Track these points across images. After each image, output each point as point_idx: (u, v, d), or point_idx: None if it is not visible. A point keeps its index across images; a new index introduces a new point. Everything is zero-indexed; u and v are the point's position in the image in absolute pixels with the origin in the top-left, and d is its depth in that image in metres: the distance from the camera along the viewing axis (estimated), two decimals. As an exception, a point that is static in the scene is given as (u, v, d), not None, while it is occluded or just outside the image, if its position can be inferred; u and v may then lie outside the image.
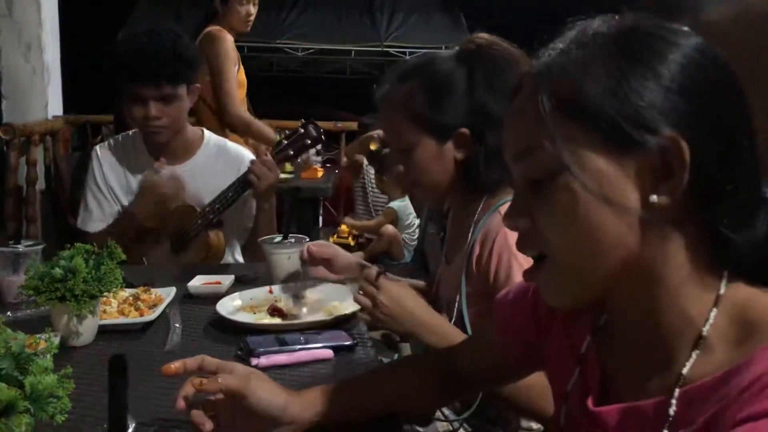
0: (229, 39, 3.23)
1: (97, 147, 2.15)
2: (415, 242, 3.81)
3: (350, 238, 4.10)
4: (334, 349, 1.24)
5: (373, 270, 1.26)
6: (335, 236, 4.11)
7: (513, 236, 1.26)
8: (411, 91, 1.32)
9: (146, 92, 1.94)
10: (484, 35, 1.37)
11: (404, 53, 7.35)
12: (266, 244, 1.68)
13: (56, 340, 1.23)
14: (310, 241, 1.64)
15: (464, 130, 1.31)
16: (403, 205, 3.96)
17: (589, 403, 0.68)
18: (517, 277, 1.21)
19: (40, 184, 4.06)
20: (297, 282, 1.63)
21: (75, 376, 1.17)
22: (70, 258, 1.26)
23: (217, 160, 2.11)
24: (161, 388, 1.10)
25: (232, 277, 1.71)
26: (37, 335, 1.23)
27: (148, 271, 1.87)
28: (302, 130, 1.92)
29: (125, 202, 2.09)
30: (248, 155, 2.12)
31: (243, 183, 1.92)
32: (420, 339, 1.22)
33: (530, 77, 0.68)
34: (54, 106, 4.32)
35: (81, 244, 1.30)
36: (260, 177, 1.88)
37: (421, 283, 1.65)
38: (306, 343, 1.25)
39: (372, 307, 1.22)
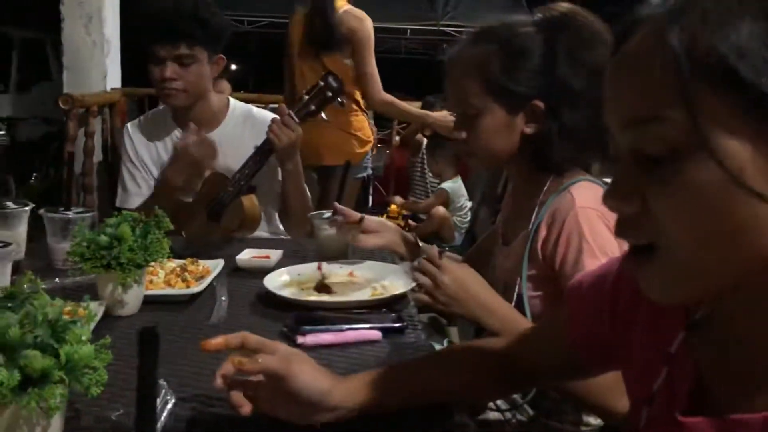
0: (370, 19, 3.03)
1: (128, 124, 2.15)
2: (467, 225, 3.72)
3: (400, 219, 4.04)
4: (383, 330, 1.18)
5: (435, 248, 1.20)
6: (385, 216, 4.05)
7: (585, 219, 1.19)
8: (486, 54, 1.24)
9: (163, 51, 1.93)
10: (565, 4, 1.27)
11: (461, 33, 7.20)
12: (315, 219, 1.63)
13: (97, 309, 1.21)
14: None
15: (539, 102, 1.23)
16: (455, 186, 3.87)
17: (677, 410, 0.59)
18: (587, 263, 1.13)
19: (97, 155, 4.12)
20: (346, 259, 1.59)
21: (118, 346, 1.15)
22: (117, 225, 1.24)
23: (244, 127, 2.09)
24: (203, 362, 1.06)
25: (281, 251, 1.67)
26: (78, 303, 1.22)
27: (196, 244, 1.85)
28: (322, 83, 1.86)
29: (157, 175, 2.08)
30: (273, 116, 2.05)
31: (268, 144, 1.88)
32: (481, 323, 1.17)
33: (652, 19, 0.54)
34: (113, 78, 4.36)
35: (128, 212, 1.28)
36: (279, 136, 1.84)
37: (457, 257, 1.57)
38: (353, 323, 1.20)
39: (433, 287, 1.17)
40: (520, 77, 1.23)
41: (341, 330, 1.16)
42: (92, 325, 1.13)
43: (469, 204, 3.72)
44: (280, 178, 2.03)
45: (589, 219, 1.17)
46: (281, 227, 2.15)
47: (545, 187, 1.27)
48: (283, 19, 6.20)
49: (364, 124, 3.18)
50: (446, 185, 3.83)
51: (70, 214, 1.53)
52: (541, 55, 1.22)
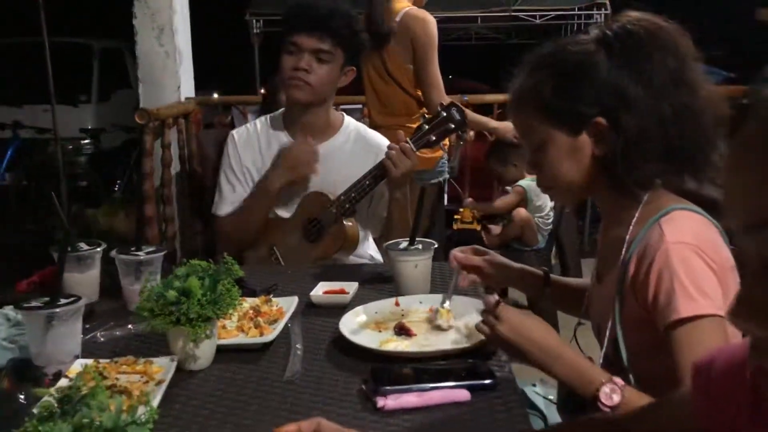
0: (434, 20, 2.88)
1: (234, 132, 2.11)
2: (549, 227, 3.55)
3: (475, 223, 3.88)
4: (471, 388, 1.07)
5: (492, 298, 1.10)
6: (458, 223, 3.89)
7: (678, 255, 1.03)
8: (539, 81, 1.17)
9: (306, 42, 1.91)
10: (632, 13, 1.15)
11: (534, 17, 6.95)
12: (391, 251, 1.54)
13: (169, 365, 1.16)
14: (436, 232, 1.50)
15: (601, 119, 1.12)
16: (533, 184, 3.69)
17: None
18: (682, 307, 1.02)
19: (175, 166, 4.17)
20: (426, 293, 1.50)
21: (194, 403, 1.11)
22: (185, 276, 1.18)
23: (355, 145, 2.04)
24: (272, 419, 0.98)
25: (356, 284, 1.59)
26: (150, 360, 1.17)
27: (270, 272, 1.79)
28: (444, 114, 1.80)
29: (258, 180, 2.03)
30: (387, 142, 2.01)
31: (381, 171, 1.83)
32: (545, 372, 1.07)
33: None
34: (186, 88, 4.40)
35: (196, 261, 1.22)
36: (396, 164, 1.79)
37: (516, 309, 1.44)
38: (439, 377, 1.10)
39: (492, 337, 1.10)
40: (575, 96, 1.14)
41: (425, 390, 1.06)
42: (163, 388, 1.09)
43: (550, 204, 3.54)
44: (385, 202, 1.96)
45: (681, 255, 1.05)
46: (369, 252, 2.09)
47: (634, 219, 1.14)
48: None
49: None
50: (523, 183, 3.64)
51: (141, 256, 1.49)
52: (598, 70, 1.12)
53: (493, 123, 3.19)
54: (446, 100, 2.85)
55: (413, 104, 2.93)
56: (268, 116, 2.12)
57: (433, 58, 2.81)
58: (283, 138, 2.04)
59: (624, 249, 1.14)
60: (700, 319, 1.01)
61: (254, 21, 6.83)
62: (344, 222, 1.92)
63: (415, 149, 1.80)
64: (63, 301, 1.18)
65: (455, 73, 7.07)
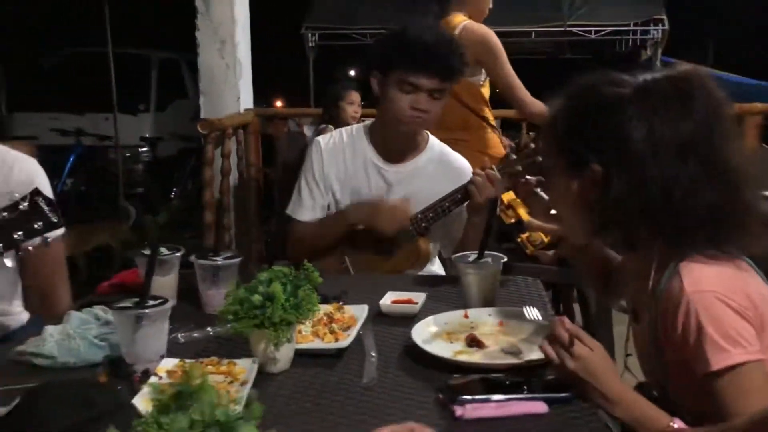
0: (492, 31, 2.91)
1: (320, 138, 2.13)
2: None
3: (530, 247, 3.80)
4: (549, 401, 1.08)
5: (565, 335, 1.11)
6: (529, 247, 3.81)
7: (700, 305, 1.02)
8: (559, 111, 1.19)
9: (426, 84, 1.92)
10: (688, 66, 1.14)
11: (589, 32, 6.90)
12: (460, 263, 1.56)
13: (251, 367, 1.21)
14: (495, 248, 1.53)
15: (597, 167, 1.12)
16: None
17: None
18: (713, 358, 1.02)
19: (234, 175, 4.27)
20: (497, 306, 1.51)
21: (276, 404, 1.15)
22: (268, 282, 1.22)
23: (438, 167, 2.07)
24: (355, 423, 1.05)
25: (424, 295, 1.61)
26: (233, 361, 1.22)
27: (341, 280, 1.83)
28: (533, 146, 1.80)
29: (340, 195, 2.07)
30: (470, 167, 2.04)
31: (463, 194, 1.86)
32: (604, 410, 1.08)
33: None
34: (245, 99, 4.50)
35: (278, 267, 1.26)
36: (481, 190, 1.81)
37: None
38: (514, 388, 1.11)
39: (559, 367, 1.11)
40: (583, 138, 1.13)
41: (503, 401, 1.08)
42: (248, 388, 1.13)
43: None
44: (460, 225, 1.99)
45: (704, 305, 1.04)
46: (432, 267, 2.12)
47: (653, 271, 1.13)
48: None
49: (494, 141, 3.08)
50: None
51: (219, 261, 1.55)
52: (612, 118, 1.10)
53: None
54: (528, 96, 2.86)
55: (471, 117, 2.95)
56: (353, 127, 2.15)
57: (502, 63, 2.83)
58: (369, 153, 2.07)
59: (650, 297, 1.14)
60: (734, 368, 1.02)
61: (309, 35, 6.95)
62: (418, 240, 1.94)
63: (500, 177, 1.81)
64: (151, 302, 1.24)
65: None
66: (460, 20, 2.87)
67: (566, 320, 1.13)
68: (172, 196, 6.78)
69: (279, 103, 5.97)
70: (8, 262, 1.45)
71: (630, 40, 7.05)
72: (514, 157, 1.82)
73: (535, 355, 1.24)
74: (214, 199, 4.05)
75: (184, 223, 5.50)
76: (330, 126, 4.19)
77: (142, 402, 1.02)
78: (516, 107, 2.92)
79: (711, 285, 1.06)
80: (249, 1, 4.53)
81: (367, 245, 1.99)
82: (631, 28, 6.87)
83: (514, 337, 1.37)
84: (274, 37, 8.53)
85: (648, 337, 1.17)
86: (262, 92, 5.26)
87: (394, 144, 2.04)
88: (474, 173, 1.86)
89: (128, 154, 7.08)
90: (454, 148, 2.46)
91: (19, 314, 1.75)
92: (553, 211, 1.39)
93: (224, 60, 4.40)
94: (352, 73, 12.37)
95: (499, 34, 2.95)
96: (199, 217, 4.18)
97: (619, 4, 6.88)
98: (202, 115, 4.24)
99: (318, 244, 2.02)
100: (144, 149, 7.50)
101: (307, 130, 4.73)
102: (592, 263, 1.49)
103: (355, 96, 4.46)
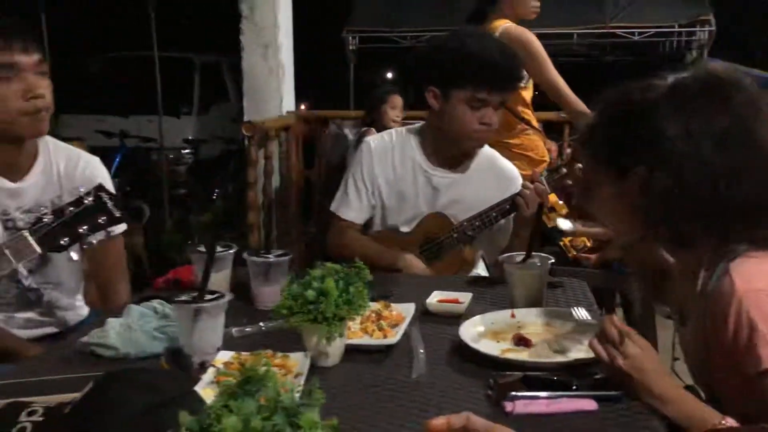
0: (532, 34, 2.93)
1: (370, 139, 2.16)
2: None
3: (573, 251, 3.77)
4: (599, 399, 1.10)
5: (615, 333, 1.12)
6: (571, 251, 3.77)
7: (753, 303, 1.03)
8: (598, 121, 1.20)
9: (494, 98, 1.94)
10: (719, 65, 1.16)
11: (632, 34, 6.81)
12: (508, 264, 1.58)
13: (304, 361, 1.24)
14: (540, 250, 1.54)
15: (642, 170, 1.13)
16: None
17: None
18: (764, 353, 1.02)
19: (275, 176, 4.34)
20: (544, 307, 1.52)
21: (328, 397, 1.18)
22: (321, 278, 1.26)
23: (487, 173, 2.08)
24: (406, 416, 1.08)
25: (470, 295, 1.63)
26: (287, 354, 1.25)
27: (387, 279, 1.86)
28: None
29: (386, 197, 2.09)
30: (519, 176, 2.06)
31: (511, 206, 1.88)
32: (655, 409, 1.09)
33: None
34: (287, 102, 4.58)
35: (330, 264, 1.30)
36: (529, 203, 1.82)
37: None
38: (563, 386, 1.13)
39: (609, 365, 1.12)
40: (621, 144, 1.15)
41: (554, 398, 1.09)
42: (302, 380, 1.17)
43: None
44: (506, 234, 2.01)
45: (757, 302, 1.04)
46: (477, 270, 2.12)
47: (702, 271, 1.13)
48: (446, 32, 6.22)
49: (536, 143, 3.07)
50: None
51: (271, 258, 1.59)
52: (651, 121, 1.11)
53: None
54: (572, 96, 2.87)
55: (513, 120, 2.95)
56: (403, 129, 2.17)
57: (545, 65, 2.85)
58: (417, 156, 2.08)
59: (697, 298, 1.14)
60: None
61: (350, 38, 7.01)
62: (463, 248, 1.96)
63: (549, 190, 1.83)
64: (209, 297, 1.28)
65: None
66: (499, 24, 2.88)
67: (615, 318, 1.15)
68: (214, 197, 6.89)
69: (302, 107, 6.00)
70: (74, 256, 1.52)
71: (675, 42, 6.92)
72: (564, 171, 1.83)
73: (583, 354, 1.26)
74: (257, 200, 4.13)
75: (225, 224, 5.60)
76: (372, 129, 4.23)
77: (202, 391, 1.07)
78: (563, 107, 2.92)
79: (763, 283, 1.06)
80: (292, 5, 4.60)
81: (411, 249, 2.01)
82: (676, 29, 6.75)
83: (562, 337, 1.38)
84: (315, 41, 8.62)
85: (696, 338, 1.17)
86: (303, 95, 5.33)
87: (450, 152, 2.06)
88: (523, 185, 1.87)
89: (171, 156, 7.22)
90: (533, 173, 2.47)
91: (80, 308, 1.83)
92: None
93: (267, 63, 4.48)
94: (389, 75, 12.41)
95: (539, 36, 2.95)
96: (240, 217, 4.26)
97: (663, 4, 6.76)
98: (246, 118, 4.32)
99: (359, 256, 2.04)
100: (186, 151, 7.65)
101: (348, 133, 4.78)
102: (642, 265, 1.49)
103: (398, 100, 4.50)
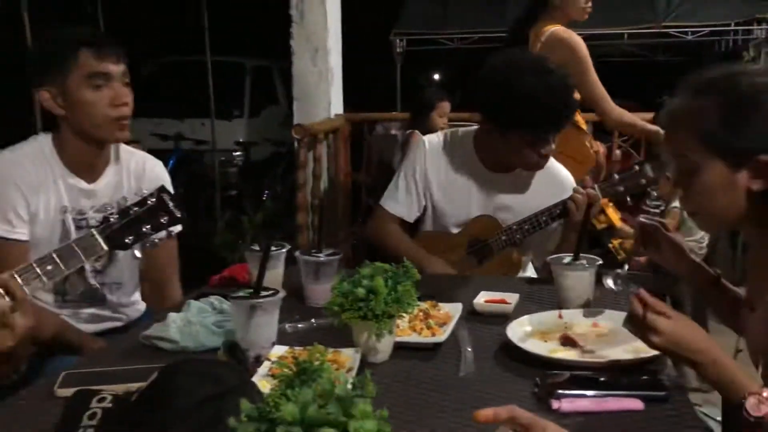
0: (580, 38, 2.89)
1: (426, 138, 2.18)
2: (703, 252, 3.41)
3: (622, 253, 3.73)
4: (645, 399, 1.11)
5: (641, 311, 1.13)
6: (621, 254, 3.73)
7: None
8: (704, 106, 1.17)
9: (553, 135, 1.96)
10: None
11: (686, 33, 6.68)
12: (556, 265, 1.59)
13: (354, 356, 1.28)
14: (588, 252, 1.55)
15: (765, 157, 1.12)
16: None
17: None
18: None
19: (324, 178, 4.42)
20: (591, 308, 1.53)
21: (378, 391, 1.21)
22: (371, 277, 1.30)
23: (542, 177, 2.07)
24: (454, 412, 1.10)
25: (518, 296, 1.65)
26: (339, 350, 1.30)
27: (433, 279, 1.89)
28: (637, 168, 1.83)
29: (438, 198, 2.10)
30: (572, 181, 2.05)
31: (561, 210, 1.89)
32: (700, 374, 1.12)
33: None
34: (336, 104, 4.65)
35: (379, 264, 1.33)
36: (580, 209, 1.83)
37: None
38: (610, 386, 1.14)
39: (647, 344, 1.14)
40: (742, 131, 1.13)
41: (601, 396, 1.11)
42: (353, 374, 1.21)
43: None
44: (555, 237, 2.02)
45: None
46: (525, 273, 2.15)
47: None
48: (494, 33, 6.21)
49: (586, 146, 3.05)
50: (678, 203, 3.52)
51: (322, 257, 1.64)
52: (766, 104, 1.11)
53: (650, 126, 3.08)
54: (615, 109, 2.84)
55: None
56: (459, 131, 2.17)
57: (588, 73, 2.79)
58: (473, 160, 2.09)
59: None
60: None
61: (398, 40, 7.06)
62: (513, 251, 1.97)
63: (601, 197, 1.83)
64: (264, 293, 1.34)
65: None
66: (548, 27, 2.87)
67: (643, 293, 1.15)
68: (264, 198, 7.03)
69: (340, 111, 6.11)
70: (137, 253, 1.59)
71: (731, 41, 6.77)
72: (617, 177, 1.83)
73: (630, 354, 1.26)
74: (306, 201, 4.21)
75: (275, 225, 5.71)
76: (417, 132, 4.26)
77: (258, 383, 1.12)
78: (600, 117, 2.89)
79: None
80: (341, 9, 4.67)
81: (458, 250, 2.04)
82: (732, 28, 6.60)
83: (609, 337, 1.39)
84: (362, 43, 8.70)
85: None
86: (350, 97, 5.40)
87: (503, 162, 2.06)
88: (575, 191, 1.87)
89: (223, 158, 7.39)
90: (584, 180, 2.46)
91: (139, 304, 1.92)
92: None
93: (317, 67, 4.55)
94: (436, 77, 12.41)
95: (589, 37, 2.93)
96: (289, 218, 4.34)
97: (718, 3, 6.62)
98: (295, 121, 4.41)
99: (392, 249, 2.07)
100: (238, 153, 7.81)
101: (396, 134, 4.82)
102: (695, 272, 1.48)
103: (446, 107, 4.49)
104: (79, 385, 1.14)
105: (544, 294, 1.70)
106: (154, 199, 1.39)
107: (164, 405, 0.94)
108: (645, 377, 1.17)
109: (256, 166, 7.86)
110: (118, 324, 1.85)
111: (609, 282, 1.47)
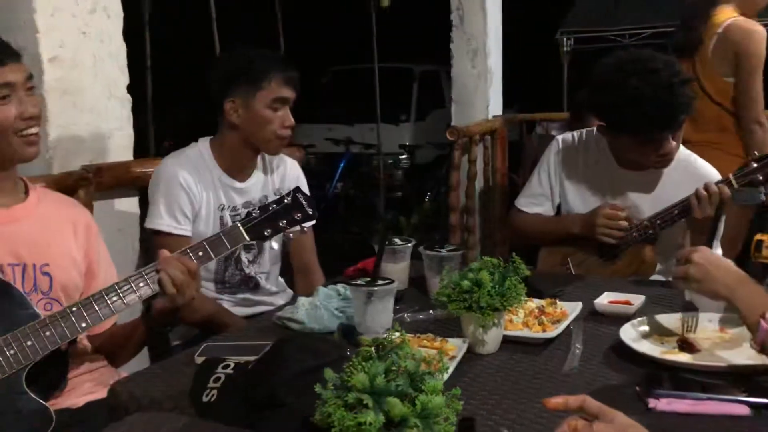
0: (764, 31, 2.67)
1: (560, 137, 2.19)
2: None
3: None
4: (752, 405, 1.05)
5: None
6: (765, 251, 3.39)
7: None
8: None
9: (668, 136, 1.92)
10: None
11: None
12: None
13: (461, 346, 1.34)
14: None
15: None
16: None
17: None
18: None
19: (479, 179, 4.45)
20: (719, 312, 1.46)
21: (479, 380, 1.27)
22: (478, 270, 1.35)
23: (683, 173, 2.00)
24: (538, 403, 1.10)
25: (643, 297, 1.61)
26: (446, 339, 1.36)
27: (559, 279, 1.88)
28: None
29: (571, 196, 2.11)
30: (717, 174, 1.96)
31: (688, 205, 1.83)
32: (732, 296, 1.21)
33: None
34: (494, 106, 4.66)
35: (488, 258, 1.38)
36: (702, 205, 1.77)
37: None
38: (717, 391, 1.10)
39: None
40: None
41: (700, 398, 1.07)
42: (456, 362, 1.27)
43: None
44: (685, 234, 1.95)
45: None
46: (657, 276, 2.07)
47: None
48: (668, 28, 5.85)
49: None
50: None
51: (443, 252, 1.71)
52: None
53: None
54: (762, 117, 2.63)
55: (727, 119, 2.74)
56: (592, 131, 2.14)
57: (758, 72, 2.60)
58: (608, 158, 2.06)
59: None
60: None
61: (565, 39, 6.91)
62: (645, 247, 1.92)
63: (736, 185, 1.75)
64: (380, 282, 1.43)
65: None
66: (727, 16, 2.68)
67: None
68: (426, 199, 7.19)
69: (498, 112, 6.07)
70: (274, 245, 1.76)
71: None
72: (755, 165, 1.72)
73: (742, 360, 1.20)
74: (459, 202, 4.27)
75: (434, 225, 5.83)
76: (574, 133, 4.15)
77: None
78: (742, 117, 2.64)
79: None
80: (502, 11, 4.69)
81: (589, 248, 2.01)
82: None
83: (731, 343, 1.32)
84: (526, 43, 8.59)
85: None
86: (513, 98, 5.37)
87: (637, 161, 2.01)
88: (705, 186, 1.79)
89: (390, 161, 7.68)
90: (709, 154, 2.27)
91: (286, 291, 2.12)
92: None
93: (475, 69, 4.60)
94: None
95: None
96: (446, 219, 4.42)
97: None
98: (453, 123, 4.48)
99: (539, 239, 2.09)
100: (403, 156, 8.07)
101: (555, 134, 4.73)
102: None
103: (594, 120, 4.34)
104: (214, 354, 1.32)
105: (673, 297, 1.63)
106: (289, 198, 1.54)
107: (273, 372, 1.07)
108: (756, 382, 1.11)
109: (420, 168, 8.06)
110: (270, 308, 2.05)
111: None
